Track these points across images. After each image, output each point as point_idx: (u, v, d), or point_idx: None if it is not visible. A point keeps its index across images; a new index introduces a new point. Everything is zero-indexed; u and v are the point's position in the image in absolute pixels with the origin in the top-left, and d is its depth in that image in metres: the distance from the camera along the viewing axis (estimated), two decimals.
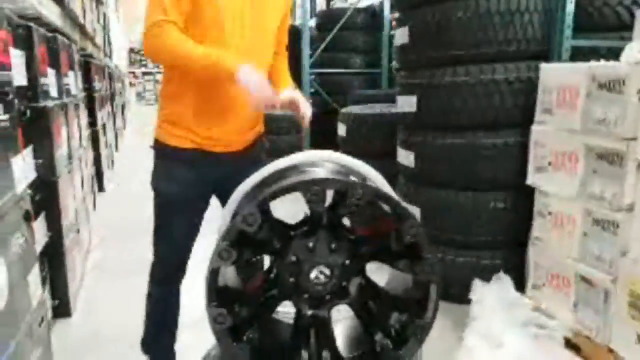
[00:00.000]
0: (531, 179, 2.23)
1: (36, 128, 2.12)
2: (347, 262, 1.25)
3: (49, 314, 2.21)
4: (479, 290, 2.23)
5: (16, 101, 1.70)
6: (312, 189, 1.11)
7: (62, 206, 2.41)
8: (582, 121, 1.92)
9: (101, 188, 5.29)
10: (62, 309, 2.39)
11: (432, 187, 2.49)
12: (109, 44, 9.20)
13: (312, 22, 6.66)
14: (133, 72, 26.14)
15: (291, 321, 1.30)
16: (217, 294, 1.15)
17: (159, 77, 23.79)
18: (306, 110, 1.61)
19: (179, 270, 1.74)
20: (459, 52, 2.26)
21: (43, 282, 2.04)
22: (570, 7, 2.14)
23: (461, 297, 2.35)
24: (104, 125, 5.88)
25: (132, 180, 5.84)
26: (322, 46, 5.65)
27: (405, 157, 2.59)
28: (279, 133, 5.73)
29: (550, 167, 2.12)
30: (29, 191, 1.73)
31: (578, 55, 2.22)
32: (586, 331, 1.96)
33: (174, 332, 1.84)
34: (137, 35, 30.46)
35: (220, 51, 1.51)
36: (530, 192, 2.25)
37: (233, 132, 1.67)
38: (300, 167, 1.36)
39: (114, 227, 3.98)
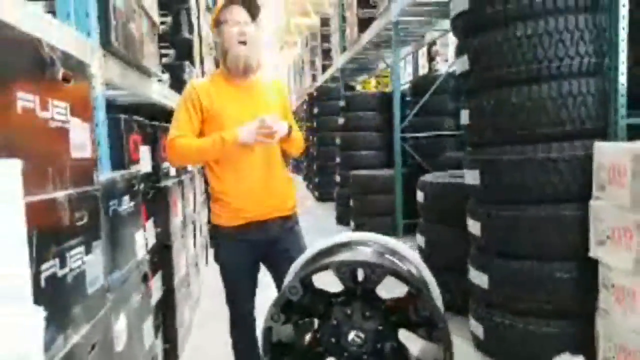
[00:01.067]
0: (593, 252, 2.29)
1: (157, 204, 2.65)
2: (380, 327, 1.50)
3: (160, 357, 2.66)
4: None
5: (142, 187, 2.22)
6: (341, 269, 1.40)
7: (175, 265, 2.91)
8: (631, 199, 1.99)
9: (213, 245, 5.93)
10: (171, 353, 2.84)
11: (498, 256, 2.62)
12: None
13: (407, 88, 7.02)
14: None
15: None
16: (271, 348, 1.46)
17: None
18: (274, 125, 1.95)
19: (247, 319, 2.19)
20: (514, 133, 2.44)
21: (156, 329, 2.50)
22: (622, 89, 2.25)
23: None
24: None
25: None
26: (415, 110, 5.94)
27: (473, 227, 2.75)
28: (374, 192, 6.04)
29: (609, 241, 2.18)
30: (147, 256, 2.21)
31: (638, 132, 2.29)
32: None
33: None
34: None
35: (216, 135, 1.99)
36: (594, 263, 2.30)
37: (264, 203, 2.09)
38: (349, 245, 1.67)
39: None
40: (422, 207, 3.56)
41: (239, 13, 2.07)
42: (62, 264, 1.25)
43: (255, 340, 2.22)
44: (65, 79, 1.34)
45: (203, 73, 5.49)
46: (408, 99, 6.57)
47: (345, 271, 1.41)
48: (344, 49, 8.64)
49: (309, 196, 11.08)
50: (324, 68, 11.82)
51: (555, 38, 2.31)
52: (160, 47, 3.86)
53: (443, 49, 10.41)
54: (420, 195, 3.55)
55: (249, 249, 2.10)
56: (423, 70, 10.39)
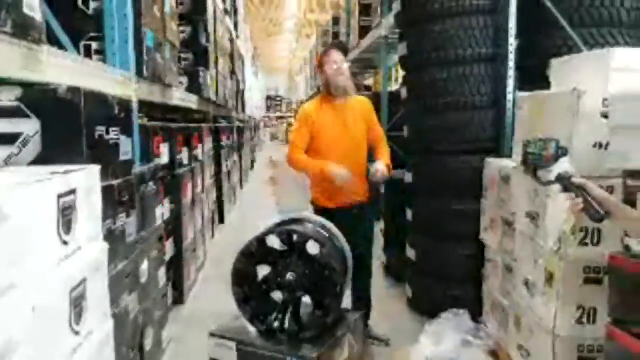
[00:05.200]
0: (481, 235, 3.15)
1: (172, 186, 3.58)
2: (307, 271, 2.40)
3: (170, 299, 3.61)
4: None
5: (161, 174, 3.14)
6: (281, 234, 2.30)
7: (184, 233, 3.85)
8: (497, 199, 2.86)
9: (222, 220, 6.86)
10: (178, 298, 3.79)
11: (423, 236, 3.50)
12: (243, 102, 11.22)
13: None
14: (268, 116, 29.27)
15: (278, 300, 2.47)
16: (238, 282, 2.37)
17: (291, 120, 26.75)
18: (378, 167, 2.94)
19: None
20: (435, 147, 3.31)
21: (168, 279, 3.44)
22: (509, 121, 3.08)
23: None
24: (228, 172, 7.56)
25: (248, 214, 7.41)
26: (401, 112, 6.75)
27: (408, 213, 3.63)
28: None
29: (489, 228, 3.04)
30: (163, 224, 3.14)
31: None
32: (501, 343, 2.83)
33: None
34: (274, 83, 33.73)
35: (321, 161, 2.93)
36: (483, 243, 3.17)
37: (345, 194, 2.98)
38: (301, 220, 2.58)
39: (225, 251, 5.43)
40: (383, 194, 4.47)
41: (336, 54, 3.02)
42: (114, 222, 2.17)
43: None
44: (119, 112, 2.25)
45: (217, 74, 6.38)
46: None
47: (283, 235, 2.31)
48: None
49: None
50: None
51: (463, 82, 3.16)
52: (180, 52, 4.72)
53: None
54: (382, 187, 4.45)
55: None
56: None
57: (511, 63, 3.05)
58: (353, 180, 2.95)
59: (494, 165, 2.97)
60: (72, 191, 1.56)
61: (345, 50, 3.13)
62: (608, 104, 2.10)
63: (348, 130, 3.02)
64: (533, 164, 1.75)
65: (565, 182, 1.67)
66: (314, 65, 3.18)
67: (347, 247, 2.60)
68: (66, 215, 1.51)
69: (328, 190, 2.99)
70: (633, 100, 2.01)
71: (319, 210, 3.01)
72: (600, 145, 2.17)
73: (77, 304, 1.50)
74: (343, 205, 3.00)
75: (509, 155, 3.13)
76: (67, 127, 1.82)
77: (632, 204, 1.87)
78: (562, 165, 1.68)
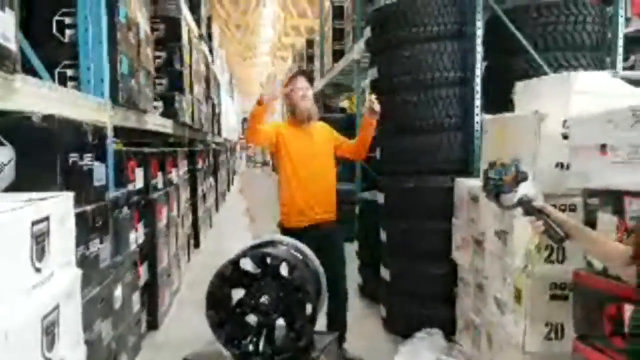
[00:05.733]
0: (453, 255, 3.22)
1: (147, 211, 3.57)
2: (281, 294, 2.42)
3: (144, 325, 3.57)
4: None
5: (135, 199, 3.14)
6: (254, 257, 2.32)
7: (158, 258, 3.82)
8: (467, 219, 2.93)
9: (197, 245, 6.81)
10: (152, 323, 3.75)
11: (397, 256, 3.55)
12: (219, 125, 11.24)
13: None
14: (244, 139, 29.28)
15: (253, 324, 2.48)
16: (212, 306, 2.37)
17: None
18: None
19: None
20: (407, 169, 3.39)
21: (142, 304, 3.41)
22: (477, 142, 3.19)
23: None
24: (204, 195, 7.54)
25: (224, 238, 7.36)
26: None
27: (382, 235, 3.69)
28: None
29: (460, 247, 3.11)
30: (137, 249, 3.12)
31: None
32: None
33: None
34: (250, 106, 33.84)
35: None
36: (456, 263, 3.24)
37: (315, 211, 3.07)
38: (274, 243, 2.60)
39: (200, 275, 5.38)
40: (357, 217, 4.52)
41: (302, 81, 3.16)
42: (87, 248, 2.17)
43: None
44: (93, 139, 2.27)
45: (193, 98, 6.41)
46: None
47: (257, 258, 2.33)
48: (322, 74, 9.60)
49: None
50: None
51: (432, 105, 3.26)
52: (156, 77, 4.75)
53: None
54: (357, 208, 4.51)
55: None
56: None
57: (478, 87, 3.17)
58: (321, 197, 3.09)
59: (463, 185, 3.06)
60: (46, 218, 1.57)
61: (310, 78, 3.31)
62: (568, 125, 2.20)
63: (316, 148, 3.14)
64: (494, 188, 1.79)
65: (526, 206, 1.72)
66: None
67: (321, 269, 2.62)
68: (39, 242, 1.52)
69: (299, 204, 3.06)
70: (591, 122, 2.11)
71: (288, 232, 3.05)
72: (562, 166, 2.26)
73: (50, 332, 1.50)
74: (313, 223, 3.05)
75: (478, 176, 3.24)
76: (41, 154, 1.83)
77: (593, 222, 1.96)
78: (523, 189, 1.73)
